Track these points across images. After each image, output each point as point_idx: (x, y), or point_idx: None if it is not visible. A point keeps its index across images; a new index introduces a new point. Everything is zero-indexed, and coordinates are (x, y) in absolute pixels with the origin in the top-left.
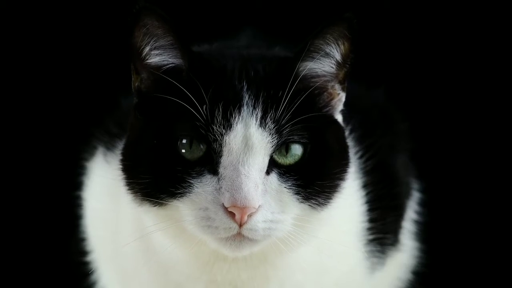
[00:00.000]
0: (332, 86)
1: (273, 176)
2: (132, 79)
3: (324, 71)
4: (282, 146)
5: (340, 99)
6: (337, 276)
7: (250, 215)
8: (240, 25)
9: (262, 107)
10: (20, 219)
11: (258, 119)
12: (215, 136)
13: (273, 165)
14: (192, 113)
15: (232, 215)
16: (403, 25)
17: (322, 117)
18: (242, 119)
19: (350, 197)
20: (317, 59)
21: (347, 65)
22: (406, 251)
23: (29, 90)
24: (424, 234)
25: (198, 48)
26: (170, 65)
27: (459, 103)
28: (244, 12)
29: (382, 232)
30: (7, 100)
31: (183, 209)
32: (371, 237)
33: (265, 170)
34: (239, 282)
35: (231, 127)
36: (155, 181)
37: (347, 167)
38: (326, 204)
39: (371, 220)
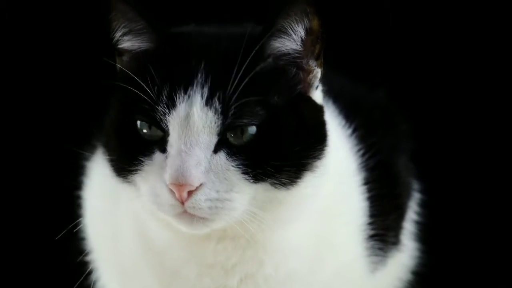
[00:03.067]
0: (307, 63)
1: (221, 155)
2: (116, 61)
3: (290, 48)
4: (237, 128)
5: (315, 75)
6: (335, 267)
7: (190, 193)
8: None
9: (211, 87)
10: (19, 219)
11: (204, 99)
12: (160, 116)
13: (224, 144)
14: (141, 99)
15: (173, 192)
16: (403, 25)
17: (286, 95)
18: (188, 98)
19: (351, 191)
20: (281, 37)
21: (319, 40)
22: (406, 252)
23: (28, 90)
24: (424, 234)
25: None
26: (139, 49)
27: (459, 104)
28: (245, 10)
29: (383, 229)
30: (7, 100)
31: (140, 185)
32: (372, 232)
33: (212, 149)
34: (230, 264)
35: (175, 106)
36: (118, 158)
37: (318, 144)
38: (291, 183)
39: (372, 216)
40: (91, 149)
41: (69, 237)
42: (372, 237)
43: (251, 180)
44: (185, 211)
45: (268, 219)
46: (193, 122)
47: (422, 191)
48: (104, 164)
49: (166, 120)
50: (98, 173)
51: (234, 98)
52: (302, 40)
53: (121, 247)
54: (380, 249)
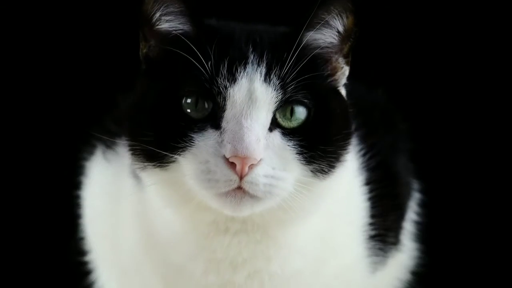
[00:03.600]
0: (336, 59)
1: (276, 134)
2: (140, 46)
3: (327, 42)
4: (286, 108)
5: (343, 72)
6: (336, 268)
7: (251, 167)
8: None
9: (267, 64)
10: (19, 218)
11: (263, 75)
12: (219, 89)
13: (276, 125)
14: (197, 70)
15: (233, 166)
16: (403, 25)
17: (326, 85)
18: (247, 74)
19: (354, 191)
20: (320, 29)
21: (351, 39)
22: (405, 252)
23: (28, 89)
24: (424, 234)
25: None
26: (179, 31)
27: (459, 103)
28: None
29: (383, 229)
30: (7, 99)
31: (184, 164)
32: (372, 232)
33: (267, 126)
34: (240, 259)
35: (235, 81)
36: (158, 138)
37: (350, 137)
38: (328, 172)
39: (373, 216)
40: (90, 148)
41: (68, 237)
42: (372, 237)
43: (303, 161)
44: (239, 188)
45: (296, 208)
46: (255, 97)
47: (422, 191)
48: (130, 152)
49: (226, 93)
50: (98, 172)
51: (292, 74)
52: (338, 35)
53: (121, 247)
54: (380, 249)
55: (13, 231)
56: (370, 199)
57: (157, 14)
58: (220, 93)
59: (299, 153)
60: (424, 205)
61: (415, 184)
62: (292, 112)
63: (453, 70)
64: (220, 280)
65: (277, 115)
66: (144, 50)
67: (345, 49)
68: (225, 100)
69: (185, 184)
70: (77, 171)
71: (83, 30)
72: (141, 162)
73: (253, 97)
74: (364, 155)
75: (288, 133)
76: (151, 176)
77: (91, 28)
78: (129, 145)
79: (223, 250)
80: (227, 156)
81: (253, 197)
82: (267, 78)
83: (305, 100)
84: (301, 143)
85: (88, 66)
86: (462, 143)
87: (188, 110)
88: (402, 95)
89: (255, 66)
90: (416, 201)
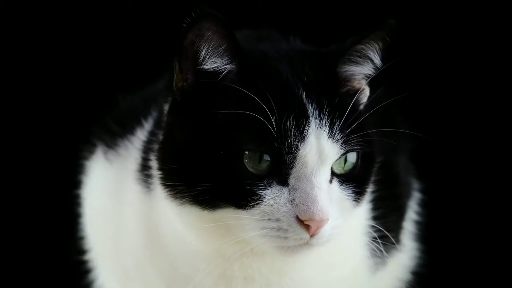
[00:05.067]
0: (359, 81)
1: (335, 185)
2: (175, 77)
3: (363, 73)
4: (341, 157)
5: (365, 93)
6: (342, 272)
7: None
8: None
9: (329, 117)
10: (19, 218)
11: (327, 131)
12: (290, 149)
13: (332, 174)
14: (261, 125)
15: (307, 227)
16: (403, 26)
17: (366, 118)
18: (313, 131)
19: None
20: (360, 63)
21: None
22: (405, 252)
23: (28, 89)
24: (424, 234)
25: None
26: (224, 71)
27: (459, 103)
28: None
29: (384, 230)
30: (7, 99)
31: (245, 217)
32: (374, 234)
33: (329, 179)
34: (257, 275)
35: (304, 140)
36: (215, 190)
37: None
38: (361, 201)
39: (374, 218)
40: (91, 147)
41: (68, 236)
42: (374, 238)
43: (356, 205)
44: (307, 243)
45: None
46: (325, 156)
47: (422, 191)
48: (167, 189)
49: (296, 153)
50: (98, 172)
51: (351, 127)
52: (375, 66)
53: (123, 248)
54: (381, 250)
55: (13, 230)
56: (371, 200)
57: (203, 53)
58: (290, 153)
59: (355, 199)
60: (424, 205)
61: (416, 184)
62: (345, 160)
63: (454, 70)
64: None
65: (333, 166)
66: (180, 84)
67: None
68: (294, 159)
69: (232, 228)
70: (77, 170)
71: (83, 30)
72: (183, 202)
73: (322, 157)
74: None
75: (343, 180)
76: (188, 213)
77: (92, 28)
78: (169, 185)
79: (241, 269)
80: (302, 218)
81: (312, 246)
82: (330, 133)
83: (362, 147)
84: (356, 190)
85: (89, 65)
86: (462, 143)
87: (250, 161)
88: (403, 96)
89: (317, 119)
90: (417, 201)
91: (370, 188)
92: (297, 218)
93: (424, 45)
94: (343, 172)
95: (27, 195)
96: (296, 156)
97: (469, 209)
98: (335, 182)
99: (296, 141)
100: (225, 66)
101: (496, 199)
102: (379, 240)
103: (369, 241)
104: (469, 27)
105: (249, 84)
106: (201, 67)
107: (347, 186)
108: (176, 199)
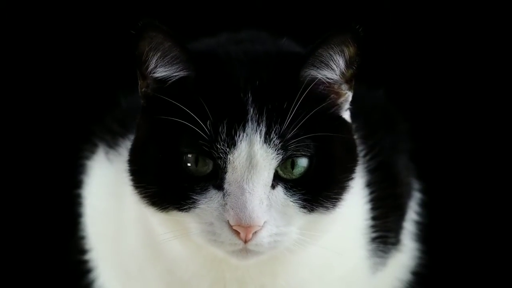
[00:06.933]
0: (339, 87)
1: (279, 190)
2: (139, 83)
3: (328, 78)
4: (287, 161)
5: (346, 98)
6: (341, 273)
7: (255, 232)
8: (241, 26)
9: (267, 123)
10: (19, 217)
11: (263, 136)
12: (219, 154)
13: (278, 179)
14: (195, 129)
15: (237, 232)
16: (403, 26)
17: (328, 120)
18: (246, 136)
19: (356, 195)
20: (321, 68)
21: (354, 67)
22: (406, 252)
23: (29, 88)
24: (424, 234)
25: (205, 42)
26: (176, 78)
27: (459, 103)
28: (245, 13)
29: (384, 230)
30: (7, 99)
31: (188, 222)
32: (374, 235)
33: (270, 184)
34: (247, 278)
35: (235, 145)
36: (161, 192)
37: (355, 166)
38: (335, 207)
39: (374, 218)
40: (92, 147)
41: (69, 236)
42: (374, 239)
43: (307, 212)
44: (244, 248)
45: (312, 241)
46: (256, 161)
47: (422, 191)
48: (133, 190)
49: (226, 158)
50: (99, 172)
51: (292, 132)
52: (340, 69)
53: (124, 247)
54: (381, 250)
55: (14, 229)
56: (371, 200)
57: (152, 62)
58: (220, 157)
59: (303, 206)
60: (424, 205)
61: (416, 184)
62: (293, 165)
63: (453, 70)
64: None
65: (279, 170)
66: (143, 89)
67: (348, 76)
68: (225, 163)
69: (188, 230)
70: (78, 169)
71: (84, 29)
72: (145, 204)
73: (253, 162)
74: (364, 156)
75: (290, 186)
76: (154, 215)
77: (92, 27)
78: (133, 186)
79: (231, 271)
80: (231, 224)
81: (258, 252)
82: (267, 138)
83: (307, 154)
84: (304, 196)
85: (90, 65)
86: (462, 143)
87: (189, 165)
88: (403, 96)
89: (255, 124)
90: (417, 201)
91: (342, 192)
92: (228, 223)
93: (424, 45)
94: (293, 177)
95: (27, 195)
96: (226, 161)
97: (469, 209)
98: (280, 187)
99: (226, 146)
100: (174, 74)
101: (496, 199)
102: (379, 240)
103: (369, 241)
104: (469, 27)
105: (192, 89)
106: (152, 75)
107: (294, 193)
108: (139, 200)
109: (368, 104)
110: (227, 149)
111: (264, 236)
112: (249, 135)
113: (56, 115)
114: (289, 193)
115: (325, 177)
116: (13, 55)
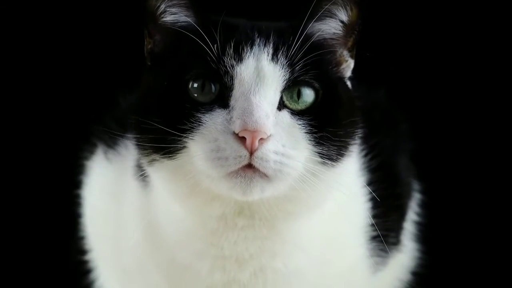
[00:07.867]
0: (341, 52)
1: (285, 113)
2: (145, 43)
3: (331, 32)
4: (293, 90)
5: (348, 65)
6: (340, 268)
7: (261, 142)
8: None
9: (273, 45)
10: (19, 218)
11: (270, 54)
12: (226, 68)
13: (284, 106)
14: (203, 52)
15: (243, 141)
16: (403, 26)
17: (333, 73)
18: (253, 54)
19: (356, 192)
20: (324, 19)
21: (355, 32)
22: (406, 252)
23: (28, 88)
24: (424, 235)
25: None
26: (183, 23)
27: (459, 103)
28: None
29: (384, 229)
30: (7, 99)
31: (193, 146)
32: (374, 233)
33: (276, 105)
34: (246, 255)
35: (242, 59)
36: (166, 123)
37: (357, 126)
38: (336, 160)
39: (374, 217)
40: (91, 147)
41: (68, 236)
42: (374, 238)
43: (313, 142)
44: (249, 165)
45: (304, 197)
46: (263, 74)
47: (422, 192)
48: (137, 146)
49: (233, 72)
50: (99, 172)
51: (299, 54)
52: (342, 26)
53: (123, 247)
54: (382, 250)
55: (13, 230)
56: (371, 200)
57: (162, 7)
58: (227, 72)
59: (309, 132)
60: (424, 205)
61: (416, 185)
62: (299, 95)
63: (453, 70)
64: (225, 277)
65: (285, 98)
66: (149, 46)
67: (350, 42)
68: (232, 79)
69: (194, 174)
70: (78, 170)
71: (84, 29)
72: (149, 154)
73: (261, 75)
74: (365, 155)
75: (297, 113)
76: (159, 169)
77: (92, 27)
78: (136, 138)
79: (230, 247)
80: (237, 131)
81: (263, 177)
82: (274, 57)
83: (313, 81)
84: (310, 123)
85: (90, 64)
86: (462, 143)
87: (195, 95)
88: (403, 96)
89: (262, 46)
90: (417, 201)
91: (346, 138)
92: (234, 134)
93: (425, 45)
94: (298, 108)
95: (27, 195)
96: (233, 75)
97: (469, 209)
98: (286, 112)
99: (233, 60)
100: (183, 18)
101: (496, 199)
102: (379, 239)
103: (369, 240)
104: (469, 27)
105: (200, 27)
106: (162, 20)
107: (300, 118)
108: (144, 154)
109: (368, 104)
110: (234, 62)
111: (270, 150)
112: (256, 53)
113: (55, 115)
114: (295, 118)
115: (330, 115)
116: (13, 55)
